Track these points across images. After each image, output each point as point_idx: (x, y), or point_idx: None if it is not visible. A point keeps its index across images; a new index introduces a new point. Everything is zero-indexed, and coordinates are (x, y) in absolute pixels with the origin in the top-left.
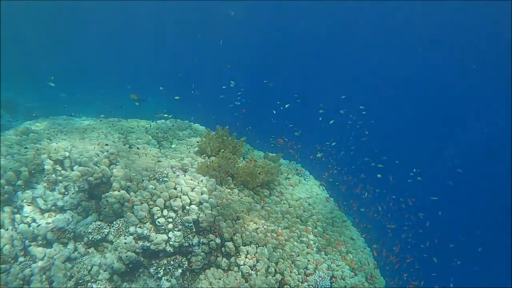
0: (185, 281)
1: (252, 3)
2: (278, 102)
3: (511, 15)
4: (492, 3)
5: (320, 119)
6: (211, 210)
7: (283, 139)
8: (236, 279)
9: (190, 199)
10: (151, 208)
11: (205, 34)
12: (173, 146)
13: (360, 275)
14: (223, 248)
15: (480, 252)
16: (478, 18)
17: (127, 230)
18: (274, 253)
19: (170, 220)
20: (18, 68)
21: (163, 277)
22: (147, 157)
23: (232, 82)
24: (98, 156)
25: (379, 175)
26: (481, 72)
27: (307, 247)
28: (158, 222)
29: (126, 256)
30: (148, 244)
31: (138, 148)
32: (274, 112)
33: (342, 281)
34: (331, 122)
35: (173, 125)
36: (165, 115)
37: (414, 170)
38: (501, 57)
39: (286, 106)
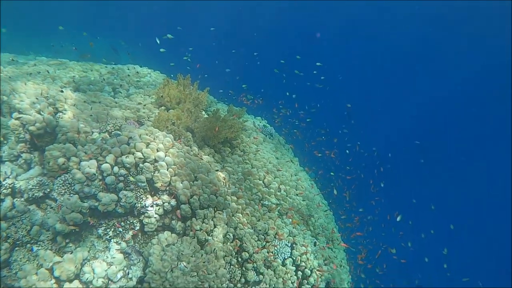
0: (136, 244)
1: None
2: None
3: (511, 15)
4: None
5: (284, 75)
6: (167, 169)
7: (246, 96)
8: (191, 245)
9: (144, 156)
10: (100, 165)
11: None
12: (130, 91)
13: (322, 240)
14: (178, 211)
15: (480, 252)
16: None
17: (72, 188)
18: (233, 217)
19: (121, 178)
20: None
21: (112, 239)
22: (98, 107)
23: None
24: (42, 103)
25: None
26: (482, 75)
27: (269, 211)
28: (108, 180)
29: (70, 217)
30: (96, 204)
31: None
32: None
33: (302, 247)
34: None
35: (130, 71)
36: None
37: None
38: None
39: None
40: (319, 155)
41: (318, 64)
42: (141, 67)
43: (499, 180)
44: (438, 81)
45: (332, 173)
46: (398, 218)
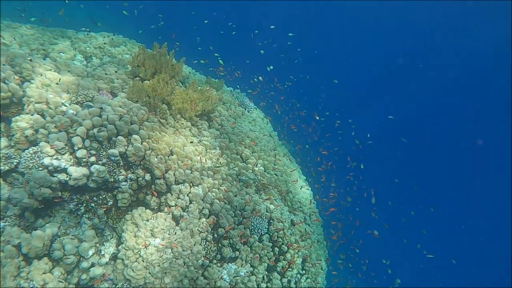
0: (109, 219)
1: None
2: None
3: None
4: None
5: (260, 43)
6: (141, 143)
7: (223, 68)
8: (166, 221)
9: (117, 129)
10: (71, 138)
11: None
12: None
13: (299, 216)
14: (153, 186)
15: (480, 252)
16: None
17: (40, 162)
18: (209, 193)
19: (93, 152)
20: None
21: (84, 215)
22: (69, 76)
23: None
24: (6, 71)
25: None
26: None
27: (246, 187)
28: (79, 154)
29: (39, 192)
30: (66, 178)
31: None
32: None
33: (279, 223)
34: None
35: (104, 39)
36: (98, 24)
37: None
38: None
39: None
40: (295, 129)
41: (290, 34)
42: (115, 35)
43: (499, 180)
44: (437, 81)
45: (307, 146)
46: (373, 200)
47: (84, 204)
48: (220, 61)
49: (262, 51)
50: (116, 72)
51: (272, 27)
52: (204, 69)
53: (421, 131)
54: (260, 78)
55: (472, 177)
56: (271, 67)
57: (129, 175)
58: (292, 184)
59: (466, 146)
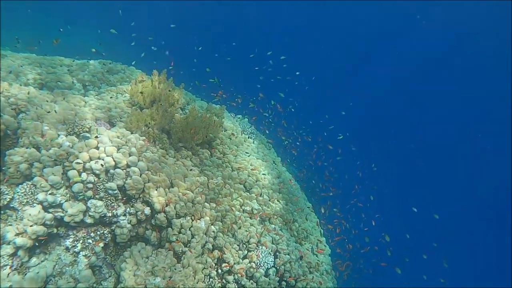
0: (107, 256)
1: None
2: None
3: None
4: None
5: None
6: (140, 175)
7: (222, 91)
8: (167, 258)
9: (115, 161)
10: (67, 171)
11: None
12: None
13: (306, 246)
14: (153, 220)
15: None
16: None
17: (35, 197)
18: (212, 226)
19: (90, 186)
20: None
21: (80, 252)
22: (66, 106)
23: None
24: (1, 102)
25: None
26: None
27: (250, 218)
28: (75, 188)
29: (32, 230)
30: (62, 214)
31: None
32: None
33: (286, 256)
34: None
35: (102, 66)
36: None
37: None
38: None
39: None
40: (295, 153)
41: (282, 57)
42: (114, 61)
43: (499, 180)
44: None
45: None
46: (387, 238)
47: (81, 241)
48: (216, 80)
49: (261, 77)
50: (114, 100)
51: (269, 53)
52: (206, 94)
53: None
54: (272, 102)
55: (472, 177)
56: (282, 95)
57: (128, 209)
58: (298, 213)
59: (466, 146)
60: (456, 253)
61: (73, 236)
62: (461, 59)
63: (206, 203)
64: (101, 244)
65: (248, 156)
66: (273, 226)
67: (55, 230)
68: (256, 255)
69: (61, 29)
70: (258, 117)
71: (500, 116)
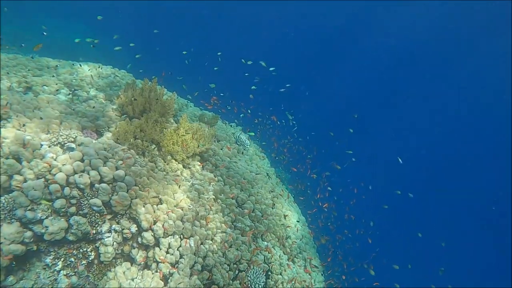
0: (90, 274)
1: None
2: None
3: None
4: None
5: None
6: (127, 191)
7: (217, 98)
8: (153, 281)
9: (101, 175)
10: (49, 185)
11: None
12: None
13: (298, 267)
14: (139, 238)
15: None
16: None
17: (13, 213)
18: (202, 246)
19: (74, 201)
20: None
21: (61, 271)
22: (51, 114)
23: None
24: None
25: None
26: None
27: (242, 235)
28: (57, 204)
29: (9, 250)
30: (42, 231)
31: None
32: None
33: (279, 276)
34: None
35: (91, 70)
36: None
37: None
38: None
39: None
40: (295, 170)
41: (271, 69)
42: (104, 65)
43: (499, 179)
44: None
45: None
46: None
47: (62, 259)
48: (212, 85)
49: (253, 87)
50: (101, 108)
51: (271, 69)
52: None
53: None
54: (274, 118)
55: (472, 177)
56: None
57: (114, 226)
58: (291, 228)
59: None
60: (456, 253)
61: (54, 253)
62: (461, 59)
63: (196, 221)
64: (84, 263)
65: (241, 169)
66: (265, 243)
67: (35, 247)
68: (247, 276)
69: (45, 33)
70: (251, 124)
71: (500, 116)
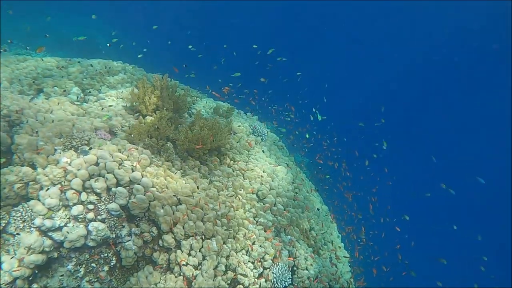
0: (113, 280)
1: None
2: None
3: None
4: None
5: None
6: (145, 193)
7: (229, 89)
8: (177, 285)
9: (117, 178)
10: (66, 191)
11: None
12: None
13: (324, 260)
14: (160, 241)
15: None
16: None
17: (32, 222)
18: (224, 245)
19: (91, 207)
20: None
21: (84, 278)
22: (63, 116)
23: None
24: None
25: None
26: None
27: (265, 231)
28: (74, 211)
29: (29, 260)
30: (61, 238)
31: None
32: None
33: (305, 271)
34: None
35: (101, 67)
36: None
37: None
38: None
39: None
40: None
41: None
42: (114, 61)
43: (499, 179)
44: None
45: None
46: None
47: (84, 265)
48: (237, 74)
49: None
50: (114, 108)
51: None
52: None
53: None
54: (293, 108)
55: (472, 176)
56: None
57: (133, 229)
58: (315, 220)
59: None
60: (456, 253)
61: (75, 259)
62: (461, 59)
63: (217, 220)
64: (106, 268)
65: (260, 161)
66: (289, 237)
67: (55, 255)
68: (273, 273)
69: (47, 35)
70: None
71: (500, 115)
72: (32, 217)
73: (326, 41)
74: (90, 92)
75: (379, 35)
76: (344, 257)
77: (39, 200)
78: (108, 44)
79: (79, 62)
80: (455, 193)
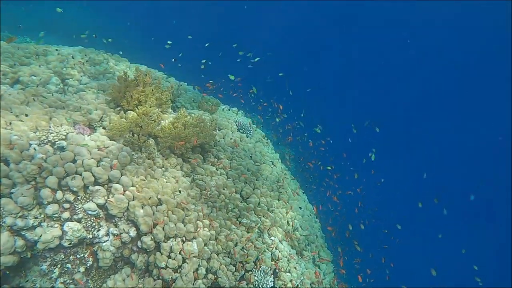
0: (89, 280)
1: None
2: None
3: None
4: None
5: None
6: (124, 193)
7: (212, 83)
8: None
9: (95, 176)
10: (40, 189)
11: None
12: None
13: (306, 258)
14: (139, 243)
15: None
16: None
17: (2, 221)
18: (205, 247)
19: (67, 205)
20: None
21: (58, 279)
22: (39, 109)
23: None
24: None
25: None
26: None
27: (247, 232)
28: (49, 210)
29: (0, 262)
30: (35, 238)
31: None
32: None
33: (287, 274)
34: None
35: (82, 57)
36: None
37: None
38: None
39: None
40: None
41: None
42: (112, 54)
43: (499, 179)
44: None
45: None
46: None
47: (59, 265)
48: (231, 76)
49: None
50: (94, 101)
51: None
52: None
53: None
54: (281, 107)
55: (472, 176)
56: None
57: (111, 229)
58: (299, 220)
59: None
60: (456, 253)
61: (50, 259)
62: (461, 59)
63: (198, 221)
64: (82, 269)
65: (245, 160)
66: (272, 238)
67: (28, 255)
68: (254, 276)
69: (20, 25)
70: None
71: (500, 115)
72: (4, 215)
73: (326, 41)
74: (69, 83)
75: (379, 35)
76: (326, 259)
77: (11, 198)
78: (94, 35)
79: (56, 49)
80: (454, 193)
